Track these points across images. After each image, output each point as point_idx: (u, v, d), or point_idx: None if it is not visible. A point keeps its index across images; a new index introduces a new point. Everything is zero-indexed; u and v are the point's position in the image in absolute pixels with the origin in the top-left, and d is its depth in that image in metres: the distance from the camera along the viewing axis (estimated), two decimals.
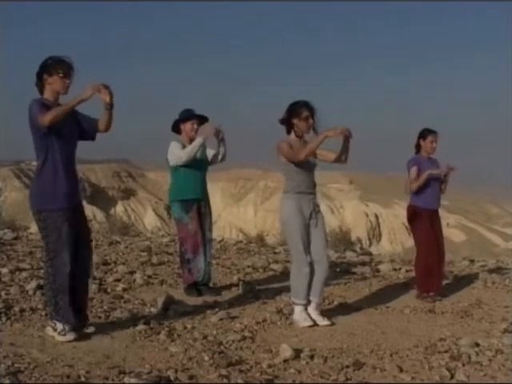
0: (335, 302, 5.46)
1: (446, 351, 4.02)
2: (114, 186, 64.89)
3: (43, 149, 3.98)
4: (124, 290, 5.69)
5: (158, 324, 4.44)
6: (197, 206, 5.68)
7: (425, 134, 5.93)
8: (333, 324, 4.72)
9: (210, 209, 5.85)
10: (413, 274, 6.53)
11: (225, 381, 3.37)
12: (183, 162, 5.57)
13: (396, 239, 56.49)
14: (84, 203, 4.51)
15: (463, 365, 3.76)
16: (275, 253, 8.93)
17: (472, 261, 8.75)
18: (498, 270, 7.51)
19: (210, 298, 5.48)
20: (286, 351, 3.79)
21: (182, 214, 5.64)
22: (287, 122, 4.82)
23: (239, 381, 3.37)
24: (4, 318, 4.43)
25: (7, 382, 3.17)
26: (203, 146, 5.69)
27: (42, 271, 6.22)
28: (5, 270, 6.16)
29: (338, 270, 7.28)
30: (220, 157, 5.81)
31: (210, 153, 5.81)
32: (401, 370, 3.65)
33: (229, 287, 6.03)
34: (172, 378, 3.36)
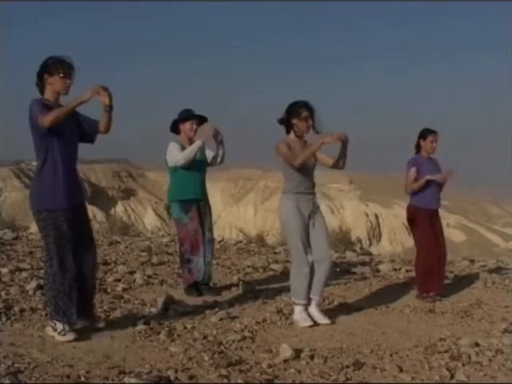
0: (335, 302, 5.46)
1: (446, 351, 4.02)
2: (114, 186, 64.91)
3: (43, 149, 3.98)
4: (124, 289, 5.69)
5: (158, 324, 4.44)
6: (196, 206, 5.68)
7: (425, 134, 5.92)
8: (333, 323, 4.72)
9: (209, 209, 5.85)
10: (413, 274, 6.52)
11: (225, 381, 3.37)
12: (181, 165, 5.57)
13: (396, 239, 56.50)
14: None
15: (463, 365, 3.76)
16: (275, 253, 8.93)
17: (472, 261, 8.75)
18: (497, 270, 7.51)
19: (210, 298, 5.48)
20: (286, 351, 3.79)
21: (182, 214, 5.64)
22: (286, 122, 4.82)
23: (239, 381, 3.37)
24: (4, 318, 4.43)
25: (7, 382, 3.17)
26: (202, 147, 5.68)
27: (42, 271, 6.24)
28: (5, 270, 6.16)
29: (337, 269, 7.27)
30: (219, 159, 5.80)
31: (209, 154, 5.80)
32: (401, 370, 3.65)
33: (229, 287, 6.03)
34: (172, 377, 3.36)
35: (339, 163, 4.82)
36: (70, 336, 3.97)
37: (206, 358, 3.72)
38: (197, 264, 5.60)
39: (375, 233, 59.22)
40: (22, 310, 4.67)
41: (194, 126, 5.75)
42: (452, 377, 3.56)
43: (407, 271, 7.21)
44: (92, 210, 48.89)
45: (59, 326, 3.99)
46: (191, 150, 5.54)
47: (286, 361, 3.73)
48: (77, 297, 4.15)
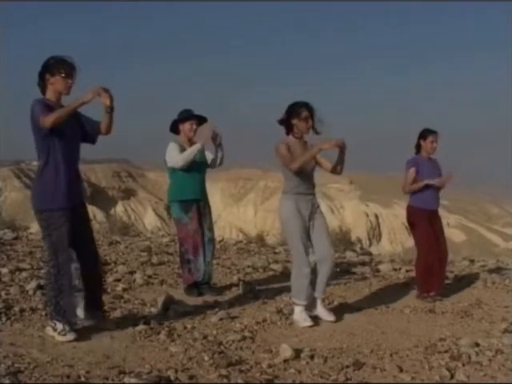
0: (335, 302, 5.46)
1: (446, 351, 4.02)
2: (114, 186, 64.91)
3: (45, 149, 3.99)
4: (124, 289, 5.69)
5: (158, 324, 4.44)
6: (196, 206, 5.68)
7: (425, 134, 5.92)
8: (337, 321, 4.75)
9: (209, 209, 5.85)
10: (413, 274, 6.52)
11: (225, 381, 3.37)
12: (180, 167, 5.57)
13: (396, 239, 56.49)
14: None
15: (463, 365, 3.76)
16: (275, 253, 8.93)
17: (472, 261, 8.75)
18: (497, 270, 7.50)
19: (210, 297, 5.48)
20: (286, 351, 3.79)
21: (182, 214, 5.64)
22: (286, 123, 4.82)
23: (239, 381, 3.37)
24: (4, 318, 4.43)
25: (7, 382, 3.17)
26: (202, 149, 5.68)
27: (43, 271, 6.24)
28: (5, 270, 6.17)
29: (337, 269, 7.27)
30: (218, 161, 5.80)
31: (208, 156, 5.80)
32: (401, 370, 3.65)
33: (229, 287, 6.03)
34: (172, 377, 3.36)
35: (337, 168, 4.85)
36: (70, 336, 3.97)
37: (206, 358, 3.72)
38: (197, 264, 5.60)
39: (375, 233, 59.22)
40: (22, 310, 4.67)
41: (194, 127, 5.75)
42: (452, 377, 3.56)
43: (407, 271, 7.21)
44: (92, 210, 48.88)
45: (59, 325, 4.00)
46: (190, 153, 5.54)
47: (285, 361, 3.73)
48: (82, 296, 4.17)
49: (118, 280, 6.11)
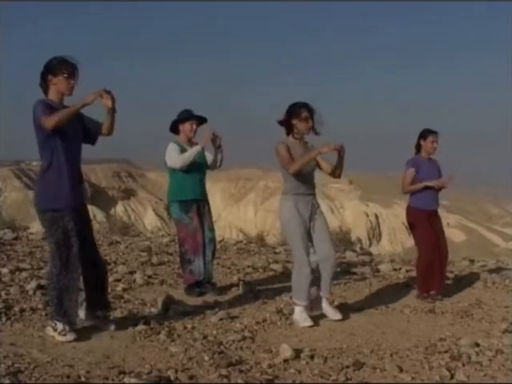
0: (335, 302, 5.45)
1: (446, 351, 4.02)
2: (114, 186, 64.92)
3: (47, 150, 4.01)
4: (124, 289, 5.69)
5: (158, 324, 4.44)
6: (196, 206, 5.68)
7: (425, 134, 5.92)
8: (344, 319, 4.78)
9: (209, 208, 5.85)
10: (413, 273, 6.53)
11: (225, 381, 3.37)
12: (178, 168, 5.58)
13: (396, 239, 56.50)
14: None
15: (463, 365, 3.76)
16: (275, 253, 8.93)
17: (472, 261, 8.75)
18: (497, 270, 7.50)
19: (210, 297, 5.48)
20: (286, 351, 3.79)
21: (182, 214, 5.64)
22: (287, 124, 4.83)
23: (239, 381, 3.37)
24: (4, 318, 4.43)
25: (7, 382, 3.17)
26: (202, 150, 5.68)
27: (43, 271, 6.25)
28: (5, 270, 6.16)
29: (338, 269, 7.27)
30: (218, 163, 5.81)
31: (209, 157, 5.80)
32: (401, 370, 3.65)
33: (229, 287, 6.03)
34: (172, 377, 3.36)
35: (335, 172, 4.88)
36: (70, 336, 3.97)
37: (206, 358, 3.72)
38: (197, 264, 5.59)
39: (375, 233, 59.24)
40: (22, 310, 4.67)
41: (194, 127, 5.75)
42: (452, 377, 3.56)
43: (407, 271, 7.21)
44: (92, 210, 48.89)
45: (59, 326, 4.00)
46: (189, 155, 5.55)
47: (285, 361, 3.73)
48: (86, 297, 4.18)
49: (118, 280, 6.11)
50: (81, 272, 4.12)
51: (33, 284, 5.48)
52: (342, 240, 10.82)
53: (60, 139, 3.98)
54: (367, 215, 59.81)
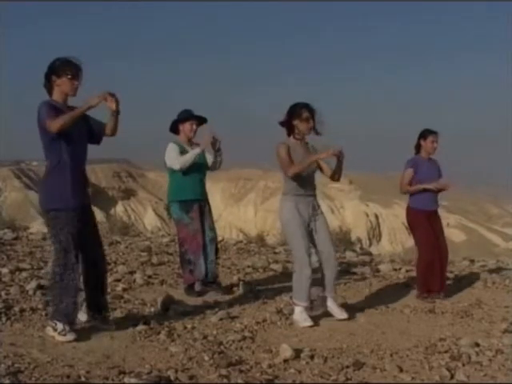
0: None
1: (446, 351, 4.02)
2: (114, 186, 64.99)
3: (53, 151, 4.04)
4: (124, 289, 5.69)
5: (158, 324, 4.44)
6: (197, 205, 5.68)
7: (425, 134, 5.92)
8: (350, 319, 4.80)
9: (210, 208, 5.85)
10: (413, 273, 6.53)
11: (225, 381, 3.37)
12: (177, 169, 5.58)
13: (396, 239, 56.54)
14: None
15: (463, 365, 3.76)
16: (275, 253, 8.93)
17: (472, 261, 8.75)
18: (497, 270, 7.50)
19: (210, 297, 5.48)
20: (286, 351, 3.79)
21: (182, 214, 5.64)
22: (288, 124, 4.83)
23: (239, 381, 3.37)
24: (4, 318, 4.43)
25: (7, 382, 3.17)
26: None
27: (43, 271, 6.26)
28: (5, 270, 6.16)
29: (338, 269, 7.27)
30: (217, 165, 5.83)
31: (209, 159, 5.80)
32: (401, 370, 3.64)
33: (229, 287, 6.03)
34: (172, 378, 3.36)
35: (334, 176, 4.90)
36: (70, 336, 3.98)
37: (206, 358, 3.72)
38: (198, 264, 5.59)
39: (375, 233, 59.28)
40: (22, 310, 4.67)
41: (194, 127, 5.75)
42: (452, 377, 3.56)
43: (407, 271, 7.21)
44: None
45: (59, 325, 4.00)
46: (189, 157, 5.55)
47: (286, 361, 3.73)
48: (86, 297, 4.20)
49: (118, 280, 6.11)
50: (83, 272, 4.15)
51: (33, 284, 5.48)
52: (342, 240, 10.81)
53: (65, 141, 4.01)
54: (367, 215, 59.85)
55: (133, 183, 67.87)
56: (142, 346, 3.97)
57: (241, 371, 3.54)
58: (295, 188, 4.78)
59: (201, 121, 5.82)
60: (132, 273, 6.52)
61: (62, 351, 3.78)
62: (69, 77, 4.02)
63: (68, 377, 3.31)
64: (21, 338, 4.03)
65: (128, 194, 65.07)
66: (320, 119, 4.80)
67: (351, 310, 5.19)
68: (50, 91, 4.09)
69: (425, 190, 5.81)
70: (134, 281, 6.11)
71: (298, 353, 3.83)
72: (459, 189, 54.63)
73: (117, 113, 4.10)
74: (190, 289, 5.64)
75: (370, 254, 10.08)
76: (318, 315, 4.85)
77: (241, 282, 6.08)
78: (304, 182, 4.79)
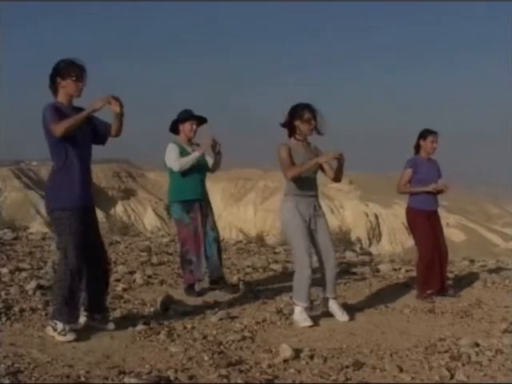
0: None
1: (446, 351, 4.02)
2: (114, 186, 64.99)
3: (58, 152, 4.07)
4: (124, 290, 5.69)
5: (158, 324, 4.44)
6: (198, 205, 5.68)
7: (425, 134, 5.92)
8: (351, 319, 4.80)
9: (211, 208, 5.85)
10: (413, 273, 6.53)
11: (225, 381, 3.37)
12: (177, 171, 5.59)
13: (396, 239, 56.54)
14: None
15: (463, 365, 3.76)
16: (275, 253, 8.93)
17: (472, 261, 8.75)
18: (497, 270, 7.50)
19: (209, 298, 5.48)
20: (286, 351, 3.79)
21: (183, 214, 5.64)
22: (289, 125, 4.83)
23: (239, 381, 3.37)
24: (4, 318, 4.43)
25: (7, 382, 3.17)
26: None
27: (43, 271, 6.26)
28: (5, 270, 6.16)
29: (338, 269, 7.27)
30: (217, 167, 5.84)
31: (209, 160, 5.81)
32: (401, 370, 3.64)
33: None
34: (172, 378, 3.36)
35: (336, 177, 4.90)
36: (70, 336, 3.98)
37: (206, 358, 3.72)
38: (199, 264, 5.59)
39: (375, 233, 59.28)
40: (22, 310, 4.67)
41: (194, 127, 5.75)
42: (452, 377, 3.56)
43: (407, 271, 7.21)
44: None
45: (60, 325, 4.00)
46: (188, 160, 5.56)
47: (285, 361, 3.73)
48: (87, 297, 4.21)
49: (118, 280, 6.11)
50: (85, 273, 4.16)
51: (32, 284, 5.48)
52: (342, 240, 10.81)
53: (70, 144, 4.04)
54: (367, 215, 59.85)
55: (133, 183, 67.87)
56: (142, 346, 3.97)
57: (240, 371, 3.54)
58: (296, 188, 4.78)
59: (201, 121, 5.82)
60: (132, 273, 6.52)
61: (62, 351, 3.78)
62: (73, 78, 4.04)
63: (68, 377, 3.31)
64: (21, 338, 4.04)
65: (128, 194, 65.06)
66: (322, 119, 4.80)
67: (351, 309, 5.19)
68: (55, 92, 4.12)
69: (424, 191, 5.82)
70: (134, 281, 6.11)
71: (297, 353, 3.83)
72: (459, 189, 54.66)
73: (121, 116, 4.12)
74: (189, 289, 5.64)
75: (369, 254, 10.08)
76: (318, 315, 4.85)
77: (241, 282, 6.08)
78: (305, 182, 4.79)
